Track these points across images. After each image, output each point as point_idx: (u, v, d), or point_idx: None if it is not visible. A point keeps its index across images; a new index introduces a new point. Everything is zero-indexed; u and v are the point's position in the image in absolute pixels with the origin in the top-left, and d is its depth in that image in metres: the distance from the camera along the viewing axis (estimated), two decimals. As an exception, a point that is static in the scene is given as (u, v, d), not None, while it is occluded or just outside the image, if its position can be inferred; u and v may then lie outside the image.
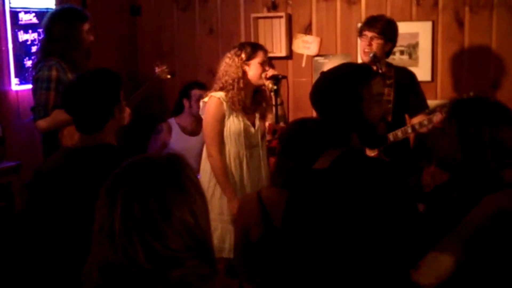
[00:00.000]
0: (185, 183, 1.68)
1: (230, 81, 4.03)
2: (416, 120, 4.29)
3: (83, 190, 2.49)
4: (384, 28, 4.27)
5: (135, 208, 1.60)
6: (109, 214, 1.61)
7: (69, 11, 4.26)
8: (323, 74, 2.51)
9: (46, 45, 4.17)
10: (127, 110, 3.07)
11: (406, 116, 4.45)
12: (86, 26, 4.26)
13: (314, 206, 2.34)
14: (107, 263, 1.60)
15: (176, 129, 5.39)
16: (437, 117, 3.97)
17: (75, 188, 2.58)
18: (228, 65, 4.06)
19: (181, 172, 1.70)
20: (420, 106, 4.38)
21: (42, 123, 4.00)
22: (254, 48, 4.10)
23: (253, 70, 4.05)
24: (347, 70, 2.46)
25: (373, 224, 2.22)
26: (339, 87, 2.37)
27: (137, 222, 1.59)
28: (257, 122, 4.14)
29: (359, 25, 4.50)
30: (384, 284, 2.24)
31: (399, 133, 4.14)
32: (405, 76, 4.41)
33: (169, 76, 5.20)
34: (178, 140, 5.31)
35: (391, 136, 4.14)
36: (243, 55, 4.04)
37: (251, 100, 4.13)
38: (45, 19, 4.22)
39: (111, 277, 1.60)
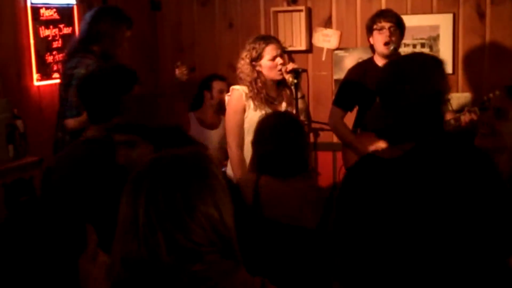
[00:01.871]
0: (211, 179, 1.69)
1: (248, 83, 4.05)
2: None
3: (83, 181, 2.54)
4: (398, 20, 4.26)
5: (159, 202, 1.61)
6: (133, 207, 1.62)
7: (119, 12, 4.30)
8: (397, 64, 2.37)
9: (86, 38, 4.14)
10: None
11: None
12: (128, 33, 4.28)
13: (391, 196, 2.21)
14: (130, 256, 1.61)
15: (194, 123, 5.41)
16: (466, 117, 3.92)
17: (76, 180, 2.61)
18: (243, 68, 4.08)
19: (207, 167, 1.71)
20: None
21: (72, 122, 3.96)
22: (260, 45, 4.06)
23: (265, 69, 4.04)
24: (426, 61, 2.32)
25: (464, 212, 2.12)
26: (424, 79, 2.23)
27: (161, 216, 1.60)
28: None
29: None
30: (479, 274, 2.15)
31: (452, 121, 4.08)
32: None
33: (187, 77, 5.18)
34: (196, 133, 5.32)
35: None
36: (253, 55, 4.04)
37: (275, 90, 4.14)
38: (91, 13, 4.21)
39: (133, 270, 1.61)
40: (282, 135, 2.98)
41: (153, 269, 1.60)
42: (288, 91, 4.15)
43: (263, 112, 4.01)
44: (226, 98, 4.25)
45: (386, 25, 4.20)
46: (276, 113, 3.23)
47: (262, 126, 3.08)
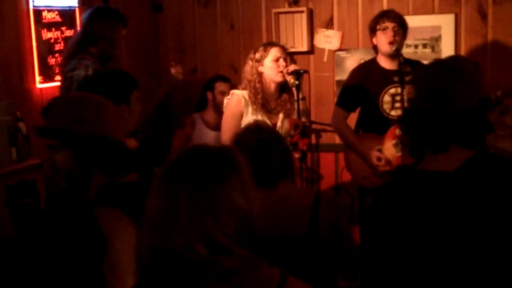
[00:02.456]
0: (242, 172, 1.73)
1: (248, 84, 4.10)
2: None
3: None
4: (402, 20, 4.27)
5: (199, 195, 1.64)
6: (171, 200, 1.65)
7: (114, 11, 4.29)
8: (449, 65, 2.17)
9: (83, 40, 4.15)
10: (137, 112, 2.96)
11: None
12: (124, 31, 4.27)
13: (438, 214, 1.99)
14: (164, 247, 1.64)
15: (199, 124, 5.43)
16: None
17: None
18: (246, 68, 4.16)
19: (238, 160, 1.75)
20: None
21: None
22: (266, 47, 4.14)
23: (267, 69, 4.08)
24: (469, 63, 2.17)
25: None
26: (476, 82, 2.09)
27: (200, 208, 1.63)
28: (279, 123, 4.14)
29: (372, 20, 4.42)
30: None
31: None
32: None
33: (182, 77, 5.11)
34: (201, 134, 5.34)
35: None
36: (256, 56, 4.09)
37: (275, 100, 4.15)
38: (86, 14, 4.23)
39: (165, 261, 1.64)
40: (257, 146, 2.86)
41: (187, 261, 1.61)
42: (288, 105, 4.16)
43: (260, 117, 4.02)
44: (225, 100, 4.27)
45: (390, 25, 4.20)
46: (251, 125, 3.15)
47: (238, 140, 2.97)
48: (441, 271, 1.98)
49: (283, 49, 4.19)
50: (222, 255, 1.62)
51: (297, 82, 4.02)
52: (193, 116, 5.50)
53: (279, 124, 4.13)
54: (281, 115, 4.15)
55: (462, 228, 1.95)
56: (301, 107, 4.04)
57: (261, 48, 4.13)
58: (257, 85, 4.06)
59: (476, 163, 1.99)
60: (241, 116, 4.10)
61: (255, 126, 3.01)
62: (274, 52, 4.08)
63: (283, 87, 4.15)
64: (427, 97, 2.08)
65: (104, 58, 4.11)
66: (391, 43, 4.21)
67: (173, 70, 5.04)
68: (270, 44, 4.20)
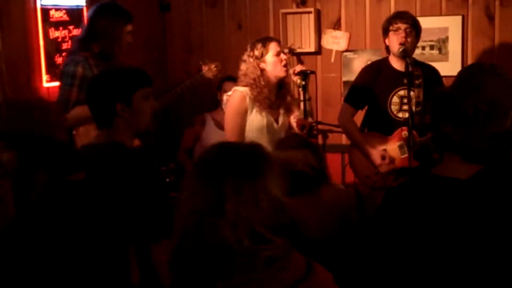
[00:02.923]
0: (273, 166, 1.84)
1: (251, 81, 4.03)
2: None
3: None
4: (415, 22, 4.25)
5: (244, 189, 1.74)
6: (216, 196, 1.74)
7: (115, 8, 4.27)
8: (479, 74, 2.10)
9: (84, 38, 4.18)
10: (145, 112, 2.89)
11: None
12: (129, 27, 4.24)
13: (448, 220, 2.00)
14: (205, 242, 1.72)
15: (210, 123, 5.47)
16: None
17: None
18: (246, 66, 4.07)
19: (268, 154, 1.88)
20: None
21: None
22: (264, 42, 4.07)
23: (269, 64, 4.04)
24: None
25: None
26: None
27: (245, 202, 1.72)
28: (280, 118, 4.13)
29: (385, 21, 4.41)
30: None
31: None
32: (432, 74, 4.36)
33: (215, 74, 5.10)
34: (211, 133, 5.36)
35: (423, 140, 4.13)
36: (256, 53, 4.05)
37: (275, 95, 4.13)
38: (90, 12, 4.26)
39: (207, 255, 1.72)
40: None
41: (234, 252, 1.70)
42: (288, 98, 4.15)
43: (264, 116, 4.02)
44: (224, 97, 4.25)
45: (403, 26, 4.19)
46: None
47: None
48: (448, 277, 1.99)
49: (279, 42, 4.15)
50: (263, 244, 1.71)
51: (304, 83, 4.01)
52: (204, 115, 5.56)
53: (280, 119, 4.13)
54: (281, 110, 4.15)
55: (467, 236, 1.95)
56: (307, 107, 4.03)
57: (259, 45, 4.05)
58: (262, 82, 4.02)
59: (489, 173, 2.00)
60: (246, 113, 4.06)
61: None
62: (274, 47, 4.04)
63: (281, 82, 4.13)
64: (455, 104, 2.04)
65: (104, 56, 4.13)
66: (402, 44, 4.19)
67: (204, 68, 5.02)
68: (267, 40, 4.13)
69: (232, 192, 1.73)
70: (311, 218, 2.80)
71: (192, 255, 1.74)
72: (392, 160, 4.28)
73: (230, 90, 5.27)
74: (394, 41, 4.24)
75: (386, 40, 4.34)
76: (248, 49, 4.10)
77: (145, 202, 2.63)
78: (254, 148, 1.86)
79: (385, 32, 4.32)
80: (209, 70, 4.98)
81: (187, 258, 1.75)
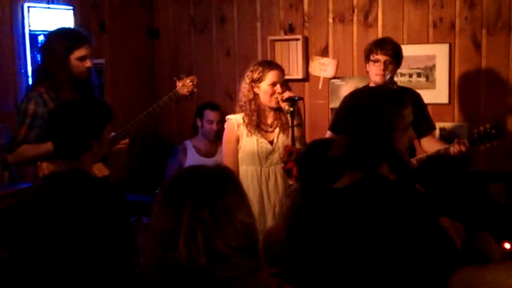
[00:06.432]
0: (240, 188, 1.87)
1: (242, 104, 4.10)
2: (425, 142, 4.24)
3: (52, 214, 2.57)
4: (395, 52, 4.23)
5: (203, 211, 1.75)
6: (175, 216, 1.76)
7: (63, 33, 3.88)
8: (355, 96, 2.47)
9: (36, 69, 3.97)
10: (107, 141, 2.92)
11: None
12: (81, 52, 3.79)
13: (328, 224, 2.25)
14: (166, 263, 1.74)
15: (191, 151, 5.43)
16: (455, 149, 3.92)
17: (45, 214, 2.61)
18: (243, 86, 4.12)
19: (235, 178, 1.91)
20: (428, 127, 4.32)
21: (9, 157, 3.80)
22: (264, 68, 4.07)
23: (262, 92, 4.06)
24: (381, 97, 2.36)
25: (393, 246, 2.15)
26: (373, 114, 2.28)
27: (204, 224, 1.74)
28: (275, 139, 4.14)
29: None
30: None
31: (414, 161, 4.07)
32: (414, 99, 4.37)
33: (188, 92, 4.34)
34: (193, 161, 5.32)
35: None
36: (254, 76, 4.06)
37: (273, 117, 4.15)
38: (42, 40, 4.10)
39: (167, 276, 1.75)
40: None
41: (189, 274, 1.72)
42: (283, 118, 4.17)
43: (255, 140, 4.04)
44: (226, 126, 4.28)
45: (382, 58, 4.17)
46: None
47: None
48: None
49: (282, 71, 4.14)
50: (223, 264, 1.73)
51: (291, 109, 4.01)
52: (185, 144, 5.51)
53: (275, 140, 4.13)
54: (277, 130, 4.15)
55: (352, 231, 2.18)
56: (295, 133, 4.03)
57: (260, 68, 4.07)
58: (253, 106, 4.05)
59: (362, 182, 2.25)
60: (237, 140, 4.13)
61: None
62: (271, 77, 4.04)
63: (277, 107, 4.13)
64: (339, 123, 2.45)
65: (59, 86, 3.76)
66: (378, 75, 4.19)
67: (179, 84, 4.32)
68: (269, 67, 4.11)
69: (191, 214, 1.74)
70: None
71: (154, 277, 1.76)
72: None
73: (210, 118, 5.32)
74: (373, 71, 4.24)
75: (367, 66, 4.35)
76: (251, 67, 4.13)
77: (107, 230, 2.61)
78: (219, 170, 1.88)
79: (366, 58, 4.32)
80: (183, 86, 4.31)
81: (150, 280, 1.77)
